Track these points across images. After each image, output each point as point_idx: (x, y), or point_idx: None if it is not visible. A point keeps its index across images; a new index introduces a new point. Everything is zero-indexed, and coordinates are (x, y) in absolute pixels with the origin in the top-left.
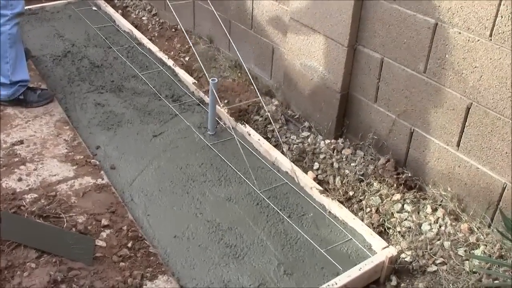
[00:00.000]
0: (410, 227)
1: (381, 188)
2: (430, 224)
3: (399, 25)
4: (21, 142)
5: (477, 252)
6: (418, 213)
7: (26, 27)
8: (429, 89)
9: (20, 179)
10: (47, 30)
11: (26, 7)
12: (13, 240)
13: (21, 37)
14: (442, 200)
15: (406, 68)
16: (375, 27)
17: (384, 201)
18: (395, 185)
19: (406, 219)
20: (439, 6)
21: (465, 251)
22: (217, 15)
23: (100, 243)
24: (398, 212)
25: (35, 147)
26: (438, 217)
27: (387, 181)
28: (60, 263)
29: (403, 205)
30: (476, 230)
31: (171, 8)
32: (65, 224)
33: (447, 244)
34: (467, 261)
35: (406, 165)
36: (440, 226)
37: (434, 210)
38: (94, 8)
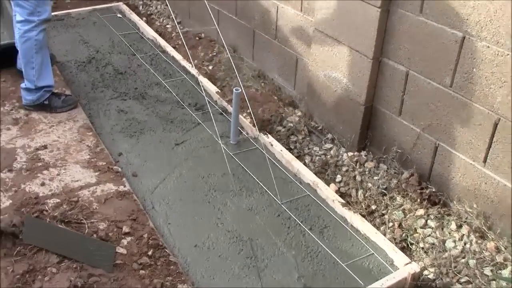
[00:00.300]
0: (433, 244)
1: (404, 202)
2: (454, 241)
3: (425, 38)
4: (45, 147)
5: (505, 272)
6: (442, 229)
7: (51, 32)
8: (456, 104)
9: (43, 184)
10: (72, 36)
11: (53, 13)
12: (35, 244)
13: (47, 43)
14: (467, 217)
15: (432, 81)
16: (401, 40)
17: (407, 216)
18: (418, 200)
19: (429, 235)
20: (467, 19)
21: (491, 270)
22: (219, 32)
23: (120, 250)
24: (421, 227)
25: (58, 152)
26: (463, 234)
27: (411, 195)
28: (81, 269)
29: (426, 221)
30: (503, 249)
31: (178, 29)
32: (87, 230)
33: (472, 262)
34: (493, 281)
35: (430, 180)
36: (465, 244)
37: (459, 227)
38: (118, 15)
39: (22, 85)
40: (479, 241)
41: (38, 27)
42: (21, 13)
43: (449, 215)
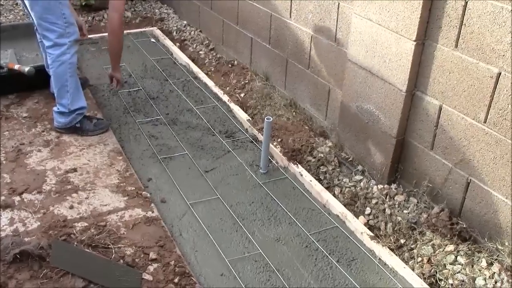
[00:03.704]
0: (463, 281)
1: (434, 237)
2: (485, 279)
3: (460, 73)
4: (75, 170)
5: None
6: (472, 266)
7: (85, 55)
8: (489, 140)
9: (71, 207)
10: (106, 60)
11: (88, 36)
12: (61, 268)
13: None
14: (498, 254)
15: (466, 116)
16: (435, 74)
17: (437, 251)
18: (448, 235)
19: (459, 272)
20: (503, 55)
21: None
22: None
23: (147, 276)
24: (451, 263)
25: (88, 175)
26: (494, 272)
27: (441, 230)
28: None
29: (456, 257)
30: None
31: None
32: (113, 255)
33: None
34: None
35: (461, 216)
36: (495, 282)
37: (490, 264)
38: (152, 40)
39: (55, 108)
40: (510, 280)
41: (71, 50)
42: (51, 37)
43: (479, 252)
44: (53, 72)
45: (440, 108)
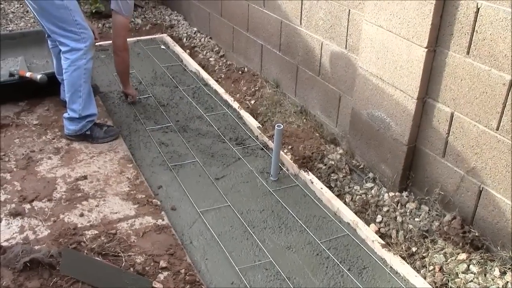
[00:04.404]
0: None
1: (446, 246)
2: None
3: (471, 80)
4: (85, 177)
5: None
6: (485, 275)
7: (95, 63)
8: (502, 147)
9: (82, 215)
10: None
11: (97, 43)
12: (71, 276)
13: None
14: (511, 263)
15: (478, 124)
16: (447, 81)
17: (449, 260)
18: (460, 243)
19: (471, 281)
20: None
21: None
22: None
23: (157, 285)
24: (463, 272)
25: (98, 183)
26: (507, 281)
27: (453, 239)
28: None
29: (468, 266)
30: None
31: None
32: (123, 264)
33: None
34: None
35: (473, 224)
36: None
37: (503, 273)
38: (162, 46)
39: (65, 115)
40: None
41: (87, 55)
42: (67, 43)
43: (492, 260)
44: (68, 77)
45: (452, 116)
